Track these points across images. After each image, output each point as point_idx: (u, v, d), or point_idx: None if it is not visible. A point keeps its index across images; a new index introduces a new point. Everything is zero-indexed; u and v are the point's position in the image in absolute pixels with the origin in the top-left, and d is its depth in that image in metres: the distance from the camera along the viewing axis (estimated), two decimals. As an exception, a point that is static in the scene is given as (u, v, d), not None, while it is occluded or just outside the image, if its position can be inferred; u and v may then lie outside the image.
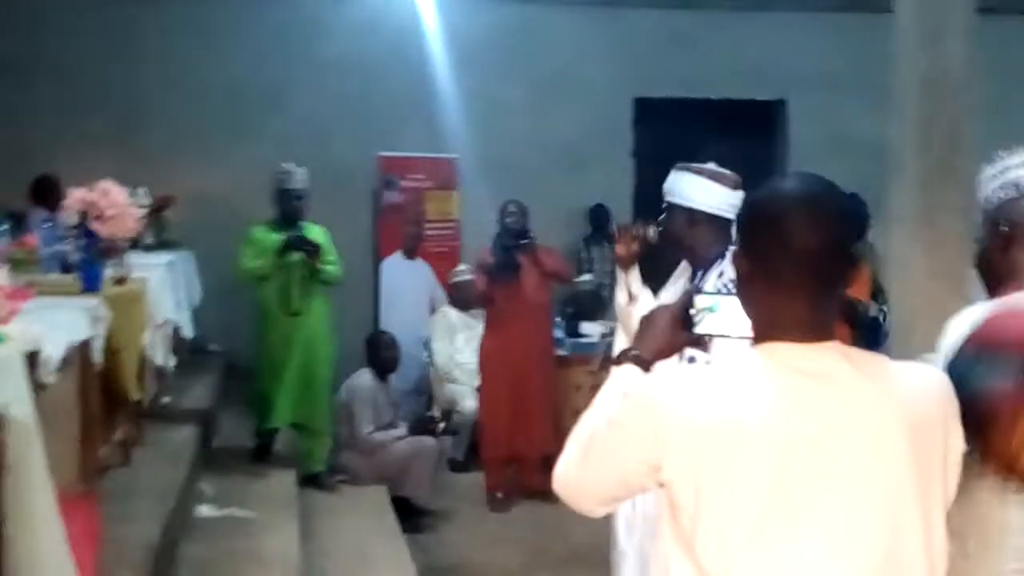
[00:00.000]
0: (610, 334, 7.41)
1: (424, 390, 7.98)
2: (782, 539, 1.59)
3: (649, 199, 9.51)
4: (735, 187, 3.27)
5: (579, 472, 1.80)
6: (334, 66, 8.55)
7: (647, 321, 1.99)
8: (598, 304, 7.89)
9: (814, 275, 1.66)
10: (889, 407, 1.64)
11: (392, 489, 6.34)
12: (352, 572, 5.14)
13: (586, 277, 8.21)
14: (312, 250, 5.89)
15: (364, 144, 8.48)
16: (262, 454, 6.11)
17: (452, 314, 7.93)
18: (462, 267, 8.01)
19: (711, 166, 3.38)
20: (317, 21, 8.61)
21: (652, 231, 3.54)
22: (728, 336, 1.89)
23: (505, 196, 7.07)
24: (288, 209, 6.01)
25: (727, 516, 1.59)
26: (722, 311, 1.91)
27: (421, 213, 8.68)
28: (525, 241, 6.62)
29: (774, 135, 9.54)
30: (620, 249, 3.59)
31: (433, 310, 8.16)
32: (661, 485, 1.67)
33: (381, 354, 6.71)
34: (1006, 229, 2.18)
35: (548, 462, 7.49)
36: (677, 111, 9.07)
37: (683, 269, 3.55)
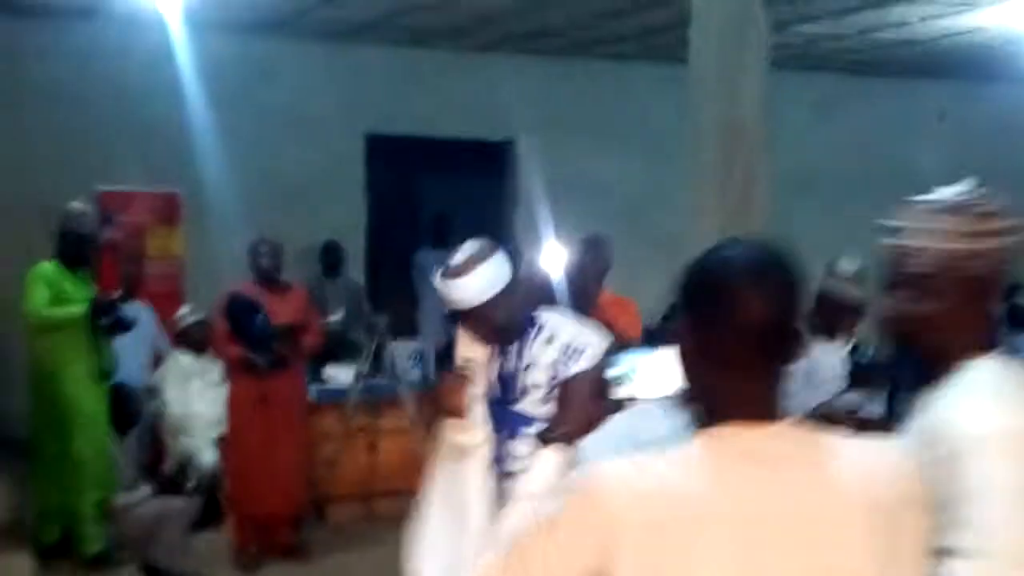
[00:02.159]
0: (365, 375, 7.14)
1: (147, 444, 7.36)
2: None
3: (383, 236, 9.35)
4: (489, 256, 3.22)
5: None
6: (43, 94, 7.81)
7: (564, 396, 1.87)
8: (344, 345, 7.61)
9: (763, 351, 1.56)
10: (844, 491, 1.56)
11: (139, 555, 5.78)
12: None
13: (336, 316, 7.87)
14: (125, 326, 5.48)
15: (77, 178, 7.74)
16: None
17: (184, 359, 7.38)
18: (185, 309, 7.48)
19: (461, 258, 3.25)
20: (21, 45, 7.84)
21: (469, 368, 3.24)
22: (648, 398, 1.82)
23: (233, 232, 6.71)
24: (76, 255, 5.41)
25: None
26: (638, 373, 1.85)
27: (141, 251, 8.08)
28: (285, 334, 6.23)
29: (504, 175, 9.66)
30: (453, 400, 3.17)
31: (157, 356, 7.57)
32: None
33: (122, 409, 6.12)
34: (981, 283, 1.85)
35: (298, 519, 7.04)
36: (409, 149, 9.00)
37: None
